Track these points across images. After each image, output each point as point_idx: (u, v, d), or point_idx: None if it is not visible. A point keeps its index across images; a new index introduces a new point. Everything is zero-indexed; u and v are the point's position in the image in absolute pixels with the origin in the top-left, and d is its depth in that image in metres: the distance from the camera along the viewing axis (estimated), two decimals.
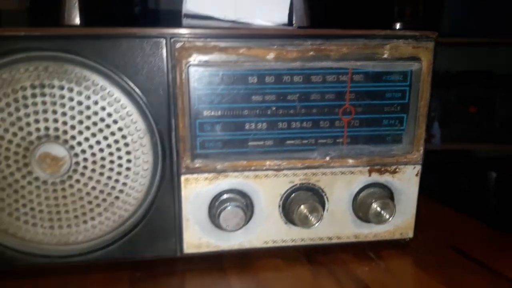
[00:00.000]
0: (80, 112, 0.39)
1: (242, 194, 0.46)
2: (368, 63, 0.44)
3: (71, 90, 0.39)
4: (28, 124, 0.39)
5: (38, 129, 0.39)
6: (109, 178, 0.41)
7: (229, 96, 0.43)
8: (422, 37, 0.44)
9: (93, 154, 0.41)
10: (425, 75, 0.45)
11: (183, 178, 0.44)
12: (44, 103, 0.39)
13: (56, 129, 0.39)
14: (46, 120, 0.39)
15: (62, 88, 0.39)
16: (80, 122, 0.40)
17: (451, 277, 0.45)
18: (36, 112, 0.39)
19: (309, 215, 0.45)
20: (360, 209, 0.48)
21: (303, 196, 0.46)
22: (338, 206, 0.48)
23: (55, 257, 0.44)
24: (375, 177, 0.48)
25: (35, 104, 0.39)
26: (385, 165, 0.47)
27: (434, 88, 0.46)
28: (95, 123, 0.40)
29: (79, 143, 0.40)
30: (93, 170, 0.41)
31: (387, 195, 0.48)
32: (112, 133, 0.40)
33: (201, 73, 0.41)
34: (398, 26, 0.45)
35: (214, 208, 0.45)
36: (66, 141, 0.40)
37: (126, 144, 0.41)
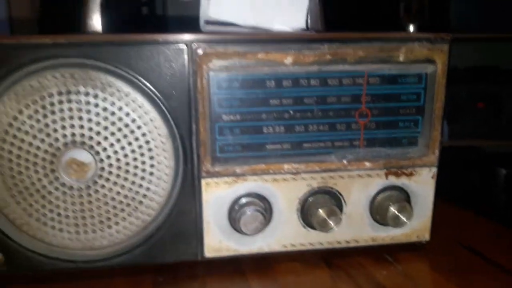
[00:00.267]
0: (105, 118, 0.41)
1: (261, 198, 0.46)
2: (384, 66, 0.45)
3: (96, 96, 0.40)
4: (55, 130, 0.40)
5: (64, 135, 0.41)
6: (133, 183, 0.42)
7: (248, 100, 0.44)
8: (437, 40, 0.45)
9: (118, 160, 0.42)
10: (440, 77, 0.46)
11: (203, 182, 0.45)
12: (70, 109, 0.40)
13: (82, 135, 0.41)
14: (72, 126, 0.40)
15: (87, 94, 0.40)
16: (105, 128, 0.41)
17: (470, 280, 0.45)
18: (62, 119, 0.40)
19: (327, 219, 0.46)
20: (378, 212, 0.48)
21: (321, 200, 0.47)
22: (355, 209, 0.48)
23: (80, 262, 0.45)
24: (392, 180, 0.48)
25: (61, 110, 0.40)
26: (401, 167, 0.48)
27: None
28: (119, 129, 0.41)
29: (105, 149, 0.41)
30: (118, 176, 0.42)
31: (404, 198, 0.48)
32: (136, 139, 0.42)
33: (221, 78, 0.43)
34: (411, 28, 0.46)
35: (234, 211, 0.46)
36: (91, 147, 0.41)
37: (150, 149, 0.42)
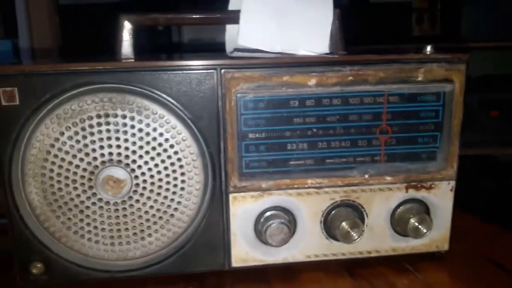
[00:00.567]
0: (141, 138, 0.43)
1: (286, 211, 0.48)
2: (404, 86, 0.46)
3: (132, 118, 0.43)
4: (93, 150, 0.43)
5: (102, 155, 0.43)
6: (165, 197, 0.45)
7: (273, 119, 0.46)
8: (454, 60, 0.47)
9: (152, 176, 0.44)
10: (458, 95, 0.48)
11: (231, 196, 0.47)
12: (108, 131, 0.43)
13: (119, 154, 0.43)
14: (110, 146, 0.43)
15: (124, 117, 0.43)
16: (141, 147, 0.44)
17: None
18: (101, 139, 0.43)
19: (350, 231, 0.48)
20: (398, 224, 0.50)
21: (343, 213, 0.49)
22: (377, 221, 0.50)
23: (115, 271, 0.48)
24: (412, 193, 0.50)
25: (100, 132, 0.43)
26: (421, 181, 0.50)
27: None
28: (154, 148, 0.44)
29: (139, 166, 0.44)
30: (151, 191, 0.45)
31: (424, 210, 0.50)
32: (169, 157, 0.44)
33: (248, 100, 0.45)
34: (429, 49, 0.48)
35: (260, 224, 0.48)
36: (127, 165, 0.44)
37: (181, 166, 0.45)
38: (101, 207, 0.45)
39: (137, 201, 0.45)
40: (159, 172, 0.44)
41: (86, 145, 0.43)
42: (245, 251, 0.49)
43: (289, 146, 0.47)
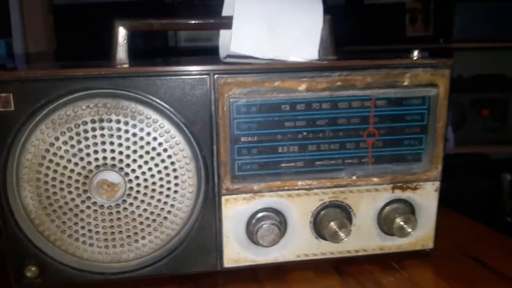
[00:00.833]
0: (135, 143, 0.44)
1: (277, 212, 0.50)
2: (390, 90, 0.48)
3: (126, 123, 0.44)
4: (88, 154, 0.44)
5: (97, 159, 0.44)
6: (159, 200, 0.46)
7: (265, 123, 0.47)
8: (439, 65, 0.48)
9: (145, 180, 0.45)
10: (442, 99, 0.49)
11: (223, 199, 0.48)
12: (102, 135, 0.44)
13: (113, 158, 0.44)
14: (104, 150, 0.44)
15: (119, 122, 0.44)
16: (134, 151, 0.44)
17: (472, 287, 0.48)
18: (95, 144, 0.44)
19: (338, 231, 0.49)
20: (385, 223, 0.51)
21: (332, 213, 0.50)
22: (364, 221, 0.52)
23: (109, 274, 0.48)
24: (398, 194, 0.52)
25: (94, 136, 0.43)
26: (407, 182, 0.51)
27: None
28: (147, 152, 0.44)
29: (133, 170, 0.45)
30: (145, 194, 0.45)
31: (409, 210, 0.52)
32: (162, 160, 0.45)
33: (240, 104, 0.46)
34: (416, 53, 0.49)
35: (251, 225, 0.49)
36: (121, 169, 0.44)
37: (174, 170, 0.45)
38: (95, 211, 0.45)
39: (131, 204, 0.45)
40: (152, 176, 0.45)
41: (80, 150, 0.44)
42: (237, 252, 0.50)
43: (280, 149, 0.48)
